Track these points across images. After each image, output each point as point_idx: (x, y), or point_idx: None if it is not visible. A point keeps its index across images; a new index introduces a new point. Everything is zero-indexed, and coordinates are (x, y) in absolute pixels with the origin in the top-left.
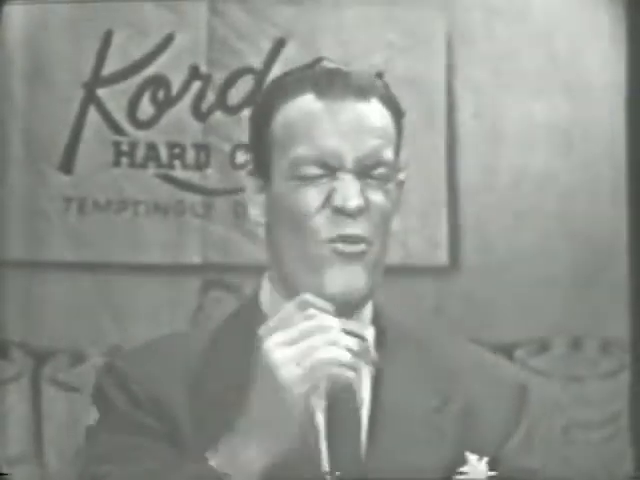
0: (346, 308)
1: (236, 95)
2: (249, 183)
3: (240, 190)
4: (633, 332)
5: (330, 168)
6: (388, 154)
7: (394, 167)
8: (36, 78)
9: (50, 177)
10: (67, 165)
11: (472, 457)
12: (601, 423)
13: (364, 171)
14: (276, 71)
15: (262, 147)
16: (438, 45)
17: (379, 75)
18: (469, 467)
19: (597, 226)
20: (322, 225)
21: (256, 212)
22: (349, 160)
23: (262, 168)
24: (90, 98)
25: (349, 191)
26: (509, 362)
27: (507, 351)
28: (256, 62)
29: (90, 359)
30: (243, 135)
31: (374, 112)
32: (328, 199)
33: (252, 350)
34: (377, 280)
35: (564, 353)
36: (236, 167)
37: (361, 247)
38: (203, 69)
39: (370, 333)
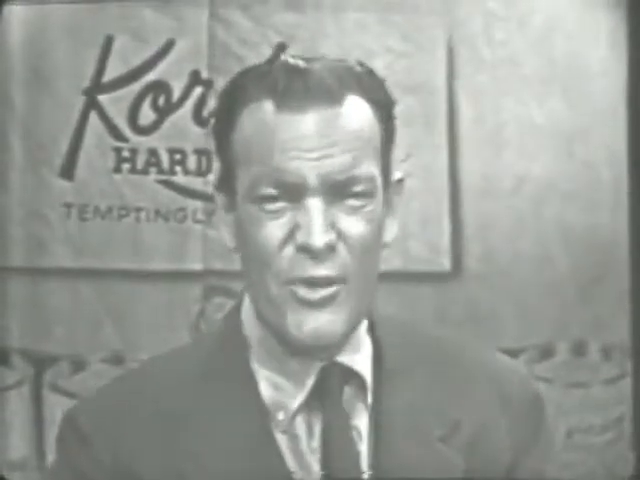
0: (322, 350)
1: None
2: (218, 200)
3: None
4: (635, 338)
5: (293, 191)
6: (366, 167)
7: (376, 181)
8: (37, 84)
9: (51, 183)
10: (68, 171)
11: None
12: (603, 428)
13: (335, 192)
14: None
15: (226, 160)
16: (439, 50)
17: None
18: None
19: (598, 232)
20: (285, 266)
21: (225, 235)
22: (314, 181)
23: (228, 184)
24: (91, 104)
25: (314, 225)
26: (521, 366)
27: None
28: None
29: (91, 366)
30: None
31: (347, 116)
32: (291, 235)
33: (233, 385)
34: (360, 316)
35: (566, 359)
36: None
37: (330, 290)
38: (204, 75)
39: (367, 349)
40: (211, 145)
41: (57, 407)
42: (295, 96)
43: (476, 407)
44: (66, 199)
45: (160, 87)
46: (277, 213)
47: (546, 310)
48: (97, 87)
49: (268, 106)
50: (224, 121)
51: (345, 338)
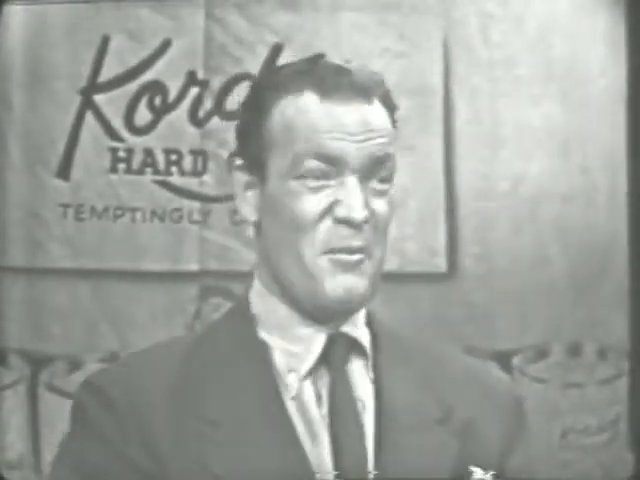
0: (346, 313)
1: (233, 101)
2: (237, 178)
3: None
4: (631, 338)
5: (335, 167)
6: (391, 155)
7: (393, 172)
8: (34, 84)
9: (48, 184)
10: (65, 171)
11: (477, 469)
12: (599, 429)
13: (369, 174)
14: None
15: (256, 143)
16: (435, 51)
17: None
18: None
19: (595, 232)
20: (322, 237)
21: (246, 209)
22: (355, 160)
23: (255, 164)
24: (87, 104)
25: (354, 201)
26: (502, 372)
27: (505, 358)
28: (253, 68)
29: (87, 366)
30: None
31: (376, 113)
32: (330, 209)
33: (244, 354)
34: (377, 285)
35: (562, 359)
36: None
37: (360, 257)
38: (200, 75)
39: (366, 336)
40: (207, 146)
41: (53, 407)
42: (340, 90)
43: (466, 400)
44: (62, 199)
45: (156, 87)
46: (317, 189)
47: (542, 311)
48: (93, 87)
49: (312, 97)
50: (256, 110)
51: (366, 300)
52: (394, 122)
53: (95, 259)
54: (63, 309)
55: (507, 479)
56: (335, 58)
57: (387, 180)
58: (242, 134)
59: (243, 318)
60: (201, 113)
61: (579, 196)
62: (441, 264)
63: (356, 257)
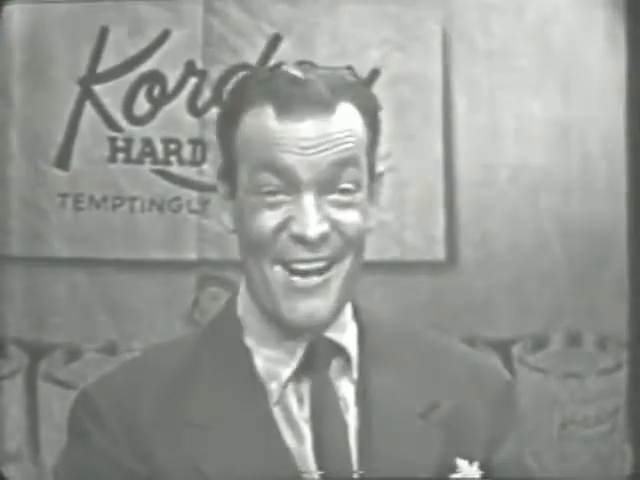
0: (311, 331)
1: None
2: (220, 187)
3: None
4: (631, 328)
5: (289, 184)
6: (354, 168)
7: (361, 180)
8: (33, 74)
9: (47, 173)
10: (63, 161)
11: (462, 462)
12: (599, 419)
13: (327, 186)
14: None
15: (228, 154)
16: (434, 42)
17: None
18: (461, 473)
19: (595, 222)
20: (279, 249)
21: (226, 218)
22: (307, 175)
23: (230, 175)
24: (86, 94)
25: (308, 218)
26: (490, 356)
27: (504, 347)
28: (252, 58)
29: (86, 355)
30: None
31: (339, 122)
32: (285, 224)
33: (229, 361)
34: (349, 292)
35: (561, 349)
36: None
37: (321, 279)
38: (199, 65)
39: (351, 336)
40: (206, 135)
41: (51, 397)
42: (294, 105)
43: (453, 388)
44: (61, 189)
45: (155, 77)
46: (274, 205)
47: (542, 300)
48: (92, 77)
49: (269, 111)
50: (228, 120)
51: (334, 318)
52: (373, 122)
53: (94, 249)
54: (61, 299)
55: (495, 469)
56: (333, 49)
57: (350, 191)
58: (220, 147)
59: (230, 322)
60: (200, 103)
61: (578, 185)
62: (440, 253)
63: (317, 279)
